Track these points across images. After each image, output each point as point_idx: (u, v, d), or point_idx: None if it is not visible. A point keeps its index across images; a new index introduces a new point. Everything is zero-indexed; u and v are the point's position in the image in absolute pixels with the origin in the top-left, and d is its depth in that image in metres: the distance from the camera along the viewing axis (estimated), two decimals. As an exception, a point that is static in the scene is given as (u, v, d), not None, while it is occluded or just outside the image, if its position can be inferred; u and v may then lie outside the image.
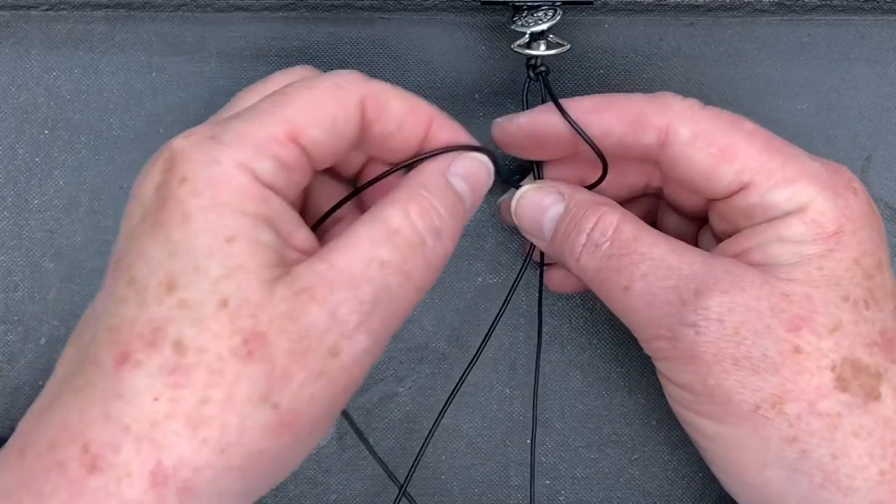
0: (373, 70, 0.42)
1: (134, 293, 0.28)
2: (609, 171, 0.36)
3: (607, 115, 0.34)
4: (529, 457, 0.41)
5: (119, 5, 0.41)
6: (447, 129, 0.34)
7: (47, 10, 0.41)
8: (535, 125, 0.36)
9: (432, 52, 0.42)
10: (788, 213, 0.32)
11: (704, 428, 0.33)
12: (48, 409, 0.29)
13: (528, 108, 0.36)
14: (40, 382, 0.41)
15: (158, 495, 0.27)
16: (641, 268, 0.33)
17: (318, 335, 0.29)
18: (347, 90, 0.32)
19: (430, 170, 0.33)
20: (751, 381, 0.31)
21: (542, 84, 0.37)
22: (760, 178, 0.32)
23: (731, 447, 0.32)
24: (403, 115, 0.33)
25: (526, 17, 0.38)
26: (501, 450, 0.42)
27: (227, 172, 0.29)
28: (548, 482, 0.42)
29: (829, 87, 0.42)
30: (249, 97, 0.34)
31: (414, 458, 0.39)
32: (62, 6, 0.41)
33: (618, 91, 0.41)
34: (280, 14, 0.42)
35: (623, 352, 0.42)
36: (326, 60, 0.42)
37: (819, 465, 0.31)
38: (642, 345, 0.34)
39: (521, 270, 0.39)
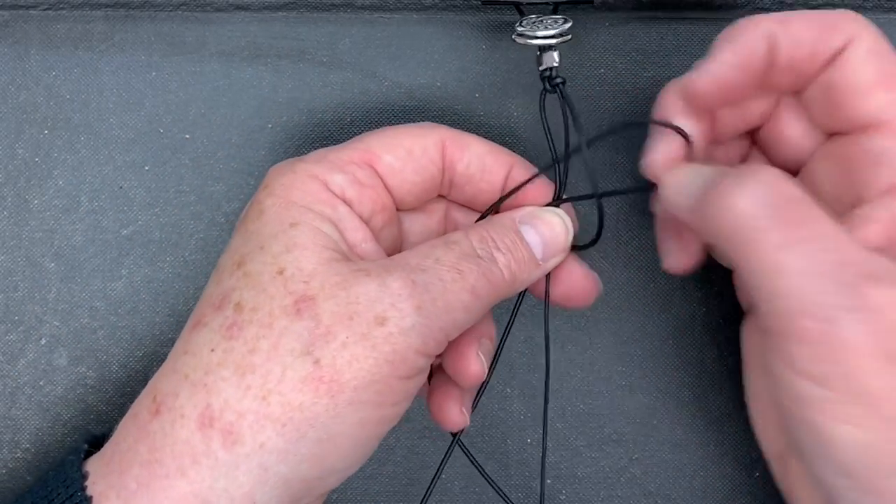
0: (373, 70, 0.42)
1: (216, 276, 0.33)
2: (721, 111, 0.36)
3: (797, 23, 0.34)
4: (531, 454, 0.41)
5: (118, 5, 0.41)
6: (526, 175, 0.37)
7: (46, 9, 0.41)
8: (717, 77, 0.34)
9: (433, 52, 0.42)
10: None
11: (836, 434, 0.29)
12: None
13: (546, 120, 0.37)
14: (41, 382, 0.41)
15: (205, 437, 0.30)
16: (806, 229, 0.29)
17: (367, 302, 0.31)
18: (426, 129, 0.36)
19: (502, 215, 0.36)
20: None
21: (560, 96, 0.37)
22: None
23: (867, 453, 0.29)
24: (484, 157, 0.36)
25: (535, 22, 0.37)
26: (502, 449, 0.42)
27: (299, 178, 0.33)
28: (549, 481, 0.42)
29: (831, 85, 0.42)
30: None
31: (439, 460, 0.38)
32: (61, 6, 0.41)
33: (620, 90, 0.42)
34: (280, 13, 0.42)
35: (624, 351, 0.42)
36: (326, 60, 0.42)
37: None
38: (773, 319, 0.30)
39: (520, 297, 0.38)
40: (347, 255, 0.33)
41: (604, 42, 0.42)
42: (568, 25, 0.37)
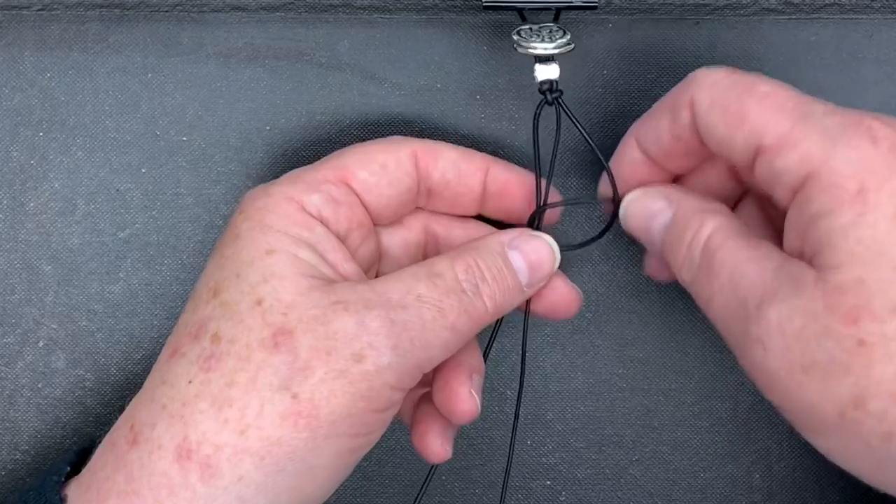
0: (372, 71, 0.41)
1: (192, 303, 0.33)
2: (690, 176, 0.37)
3: (652, 120, 0.35)
4: (532, 456, 0.41)
5: (113, 5, 0.40)
6: (504, 172, 0.37)
7: (40, 10, 0.41)
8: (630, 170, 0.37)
9: (433, 53, 0.41)
10: (805, 180, 0.30)
11: (816, 443, 0.31)
12: None
13: (537, 132, 0.37)
14: (39, 384, 0.41)
15: (182, 469, 0.30)
16: (719, 280, 0.32)
17: (345, 339, 0.31)
18: (398, 143, 0.36)
19: (490, 238, 0.36)
20: (826, 387, 0.28)
21: (559, 110, 0.37)
22: (769, 140, 0.31)
23: (844, 455, 0.30)
24: (458, 162, 0.36)
25: (533, 34, 0.37)
26: (503, 450, 0.42)
27: (275, 201, 0.33)
28: (548, 483, 0.42)
29: (837, 86, 0.41)
30: None
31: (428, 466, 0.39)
32: (55, 6, 0.40)
33: (623, 91, 0.41)
34: (278, 14, 0.41)
35: (625, 353, 0.42)
36: (325, 62, 0.41)
37: None
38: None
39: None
40: (329, 277, 0.33)
41: (606, 44, 0.41)
42: (566, 38, 0.36)
